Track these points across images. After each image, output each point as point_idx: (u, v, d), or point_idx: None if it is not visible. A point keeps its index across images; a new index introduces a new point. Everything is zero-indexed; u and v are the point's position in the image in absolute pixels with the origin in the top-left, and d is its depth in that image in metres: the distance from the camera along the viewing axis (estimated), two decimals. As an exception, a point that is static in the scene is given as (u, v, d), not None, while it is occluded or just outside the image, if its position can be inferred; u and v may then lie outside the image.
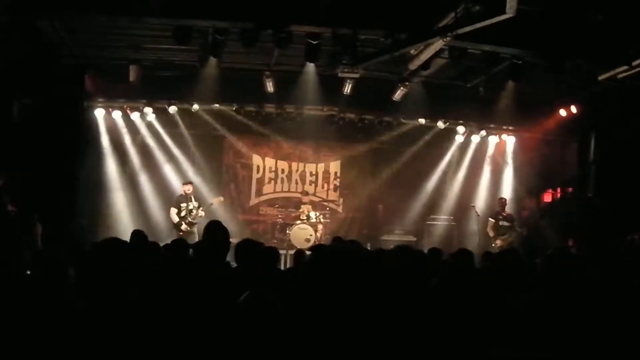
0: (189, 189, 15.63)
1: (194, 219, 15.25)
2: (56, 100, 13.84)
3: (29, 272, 5.31)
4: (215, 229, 5.79)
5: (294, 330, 3.77)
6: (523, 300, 4.22)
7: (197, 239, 13.31)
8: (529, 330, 3.98)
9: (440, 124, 17.68)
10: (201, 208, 15.38)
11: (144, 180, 17.33)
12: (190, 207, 15.36)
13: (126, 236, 8.07)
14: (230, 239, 5.76)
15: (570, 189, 16.66)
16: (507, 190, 17.80)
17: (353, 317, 3.90)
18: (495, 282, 5.26)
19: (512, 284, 5.08)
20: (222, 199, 16.31)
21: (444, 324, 4.12)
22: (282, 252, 14.48)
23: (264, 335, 3.60)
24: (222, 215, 16.28)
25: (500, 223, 15.95)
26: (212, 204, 15.81)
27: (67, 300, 4.38)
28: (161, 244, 8.43)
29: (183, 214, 15.35)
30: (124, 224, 16.26)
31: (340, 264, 4.33)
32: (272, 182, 19.09)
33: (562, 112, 15.93)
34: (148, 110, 16.69)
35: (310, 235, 15.96)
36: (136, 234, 8.55)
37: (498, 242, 15.57)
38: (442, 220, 18.12)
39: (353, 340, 3.83)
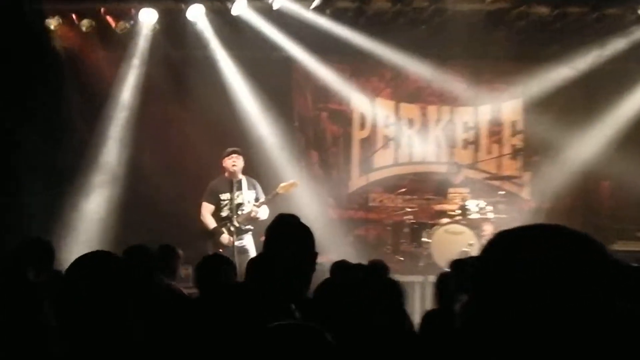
0: (235, 163, 9.90)
1: (245, 220, 9.84)
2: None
3: None
4: (284, 234, 3.95)
5: None
6: None
7: (250, 256, 9.10)
8: None
9: None
10: (259, 201, 10.02)
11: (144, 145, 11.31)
12: (239, 199, 9.95)
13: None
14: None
15: None
16: None
17: None
18: None
19: None
20: (296, 183, 10.42)
21: None
22: (416, 279, 10.36)
23: None
24: (299, 211, 9.45)
25: None
26: (277, 193, 10.13)
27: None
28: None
29: (225, 212, 9.86)
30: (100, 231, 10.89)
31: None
32: (392, 145, 12.64)
33: None
34: (147, 12, 10.75)
35: (470, 244, 10.59)
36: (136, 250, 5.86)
37: None
38: None
39: None
